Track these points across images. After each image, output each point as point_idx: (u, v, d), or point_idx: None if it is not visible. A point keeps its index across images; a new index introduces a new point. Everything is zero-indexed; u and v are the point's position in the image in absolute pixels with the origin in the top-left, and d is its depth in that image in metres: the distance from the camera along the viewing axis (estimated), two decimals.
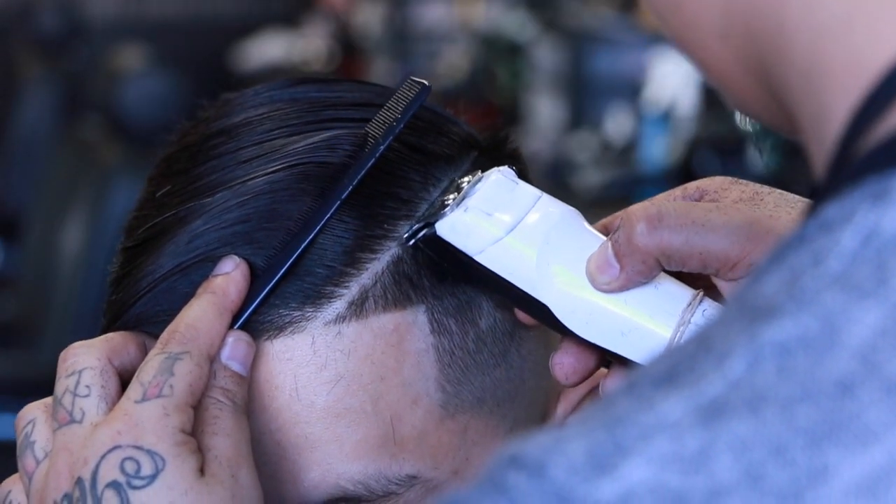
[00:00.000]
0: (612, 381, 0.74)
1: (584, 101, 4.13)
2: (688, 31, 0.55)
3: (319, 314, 0.75)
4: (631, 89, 3.90)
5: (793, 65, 0.50)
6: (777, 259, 0.47)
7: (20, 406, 0.76)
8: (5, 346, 3.46)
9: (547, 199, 0.75)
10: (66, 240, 3.33)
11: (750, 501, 0.42)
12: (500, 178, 0.76)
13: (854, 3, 0.48)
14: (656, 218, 0.71)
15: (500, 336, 0.78)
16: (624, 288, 0.72)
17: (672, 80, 3.71)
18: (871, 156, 0.46)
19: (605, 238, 0.74)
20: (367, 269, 0.75)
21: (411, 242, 0.75)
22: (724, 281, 0.72)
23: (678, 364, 0.46)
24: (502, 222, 0.74)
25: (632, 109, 3.87)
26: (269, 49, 6.01)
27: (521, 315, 0.77)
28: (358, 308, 0.75)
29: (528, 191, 0.76)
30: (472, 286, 0.77)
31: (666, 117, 3.70)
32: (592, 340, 0.72)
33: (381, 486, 0.75)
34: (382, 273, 0.75)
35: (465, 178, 0.76)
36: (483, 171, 0.77)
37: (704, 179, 0.77)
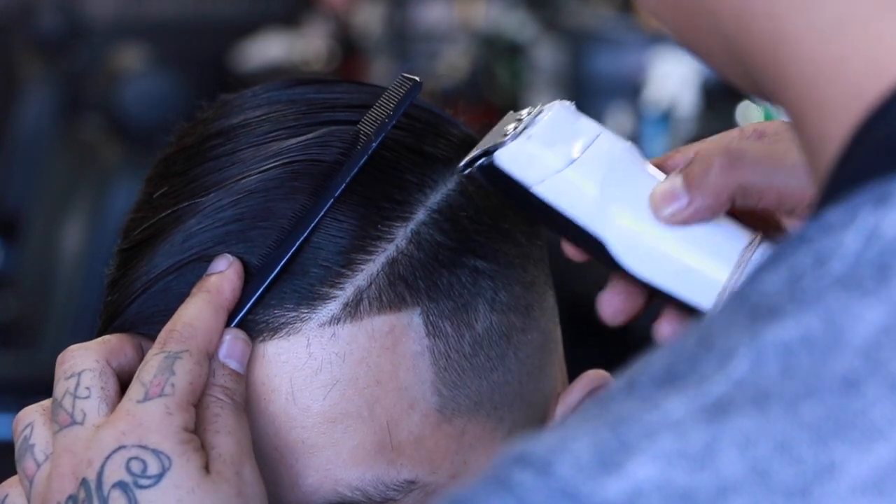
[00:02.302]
0: (665, 326, 0.74)
1: (584, 101, 4.10)
2: (699, 51, 0.55)
3: (314, 315, 0.74)
4: (631, 89, 3.89)
5: (789, 98, 0.51)
6: (777, 258, 0.47)
7: (20, 406, 0.76)
8: (5, 346, 3.46)
9: (608, 133, 0.74)
10: (66, 240, 3.33)
11: (757, 498, 0.42)
12: (561, 110, 0.75)
13: (846, 44, 0.48)
14: (737, 154, 0.71)
15: (496, 339, 0.78)
16: (689, 221, 0.71)
17: (672, 80, 3.71)
18: (874, 161, 0.47)
19: (664, 175, 0.73)
20: (361, 270, 0.75)
21: (467, 171, 0.74)
22: (796, 220, 0.72)
23: (679, 363, 0.46)
24: (564, 154, 0.73)
25: (632, 109, 3.87)
26: (269, 49, 6.01)
27: (570, 249, 0.76)
28: (353, 309, 0.75)
29: (589, 124, 0.75)
30: (528, 216, 0.76)
31: (666, 117, 3.70)
32: (647, 278, 0.72)
33: (378, 492, 0.75)
34: (377, 274, 0.75)
35: (525, 111, 0.76)
36: (543, 105, 0.76)
37: (759, 122, 0.76)
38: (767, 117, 3.34)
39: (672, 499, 0.43)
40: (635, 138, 3.82)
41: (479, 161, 0.74)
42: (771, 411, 0.43)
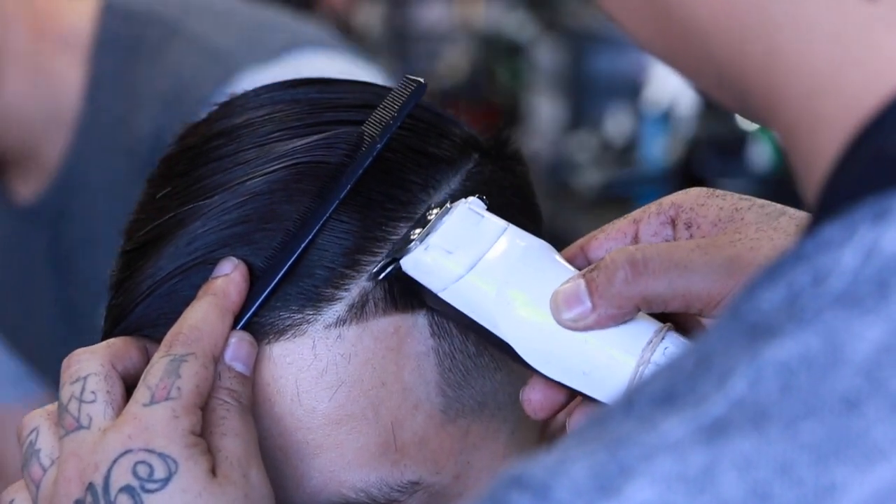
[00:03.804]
0: (578, 417, 0.72)
1: (584, 101, 4.13)
2: (688, 74, 0.55)
3: (320, 317, 0.74)
4: (631, 89, 3.90)
5: (782, 115, 0.50)
6: (773, 274, 0.47)
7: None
8: None
9: (513, 231, 0.74)
10: None
11: None
12: (464, 212, 0.74)
13: (843, 58, 0.48)
14: (641, 264, 0.69)
15: None
16: (592, 328, 0.70)
17: (672, 80, 3.71)
18: (871, 175, 0.46)
19: (575, 270, 0.72)
20: (367, 271, 0.75)
21: (380, 277, 0.74)
22: (706, 318, 0.71)
23: (677, 383, 0.46)
24: (463, 260, 0.73)
25: (632, 109, 3.87)
26: None
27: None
28: (358, 311, 0.75)
29: (493, 224, 0.74)
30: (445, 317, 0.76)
31: (666, 117, 3.70)
32: (554, 378, 0.71)
33: (382, 493, 0.75)
34: None
35: (434, 211, 0.75)
36: (451, 203, 0.75)
37: (679, 193, 0.75)
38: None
39: None
40: (635, 138, 3.83)
41: (389, 268, 0.74)
42: (770, 432, 0.43)
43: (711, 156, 3.39)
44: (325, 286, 0.75)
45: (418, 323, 0.76)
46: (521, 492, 0.44)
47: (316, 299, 0.74)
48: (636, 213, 0.75)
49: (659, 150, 3.68)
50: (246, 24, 1.48)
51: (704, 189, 0.75)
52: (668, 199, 0.75)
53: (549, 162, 4.09)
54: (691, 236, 0.74)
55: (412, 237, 0.74)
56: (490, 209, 0.76)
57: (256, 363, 0.74)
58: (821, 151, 0.48)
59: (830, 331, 0.44)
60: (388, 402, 0.75)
